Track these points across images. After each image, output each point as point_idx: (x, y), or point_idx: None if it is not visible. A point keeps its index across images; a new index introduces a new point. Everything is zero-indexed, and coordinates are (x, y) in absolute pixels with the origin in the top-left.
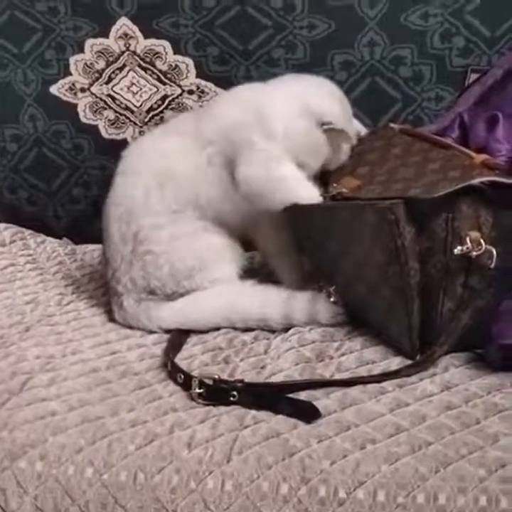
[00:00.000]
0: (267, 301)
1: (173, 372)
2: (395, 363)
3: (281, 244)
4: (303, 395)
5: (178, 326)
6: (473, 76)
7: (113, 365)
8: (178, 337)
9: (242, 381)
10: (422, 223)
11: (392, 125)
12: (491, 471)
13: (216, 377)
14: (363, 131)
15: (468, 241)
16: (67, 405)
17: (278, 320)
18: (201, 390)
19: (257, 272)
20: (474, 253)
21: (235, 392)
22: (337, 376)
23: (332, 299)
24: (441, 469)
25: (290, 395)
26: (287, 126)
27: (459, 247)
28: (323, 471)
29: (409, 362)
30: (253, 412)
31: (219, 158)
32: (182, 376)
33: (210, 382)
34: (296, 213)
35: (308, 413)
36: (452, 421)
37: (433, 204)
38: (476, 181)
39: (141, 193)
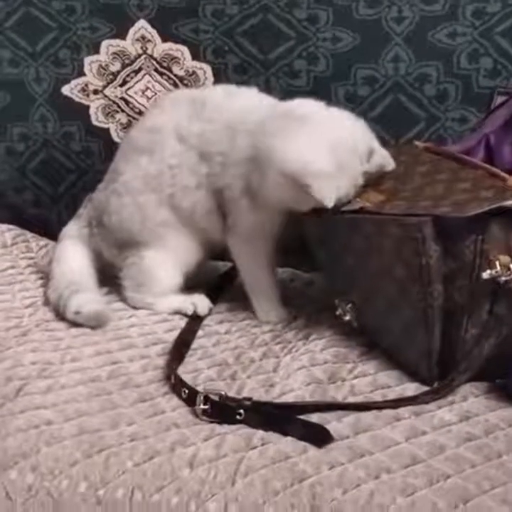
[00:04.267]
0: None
1: (177, 386)
2: (411, 388)
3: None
4: (314, 418)
5: None
6: (500, 98)
7: (114, 376)
8: (178, 348)
9: (250, 399)
10: (449, 243)
11: (416, 143)
12: None
13: (222, 393)
14: (391, 166)
15: (497, 265)
16: (64, 415)
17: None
18: (206, 407)
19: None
20: (503, 278)
21: (241, 411)
22: (350, 399)
23: (347, 318)
24: (461, 505)
25: (300, 417)
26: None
27: (488, 271)
28: (335, 500)
29: (426, 388)
30: (260, 432)
31: None
32: (186, 391)
33: (216, 398)
34: (319, 219)
35: (320, 437)
36: (472, 453)
37: (462, 224)
38: (510, 203)
39: None
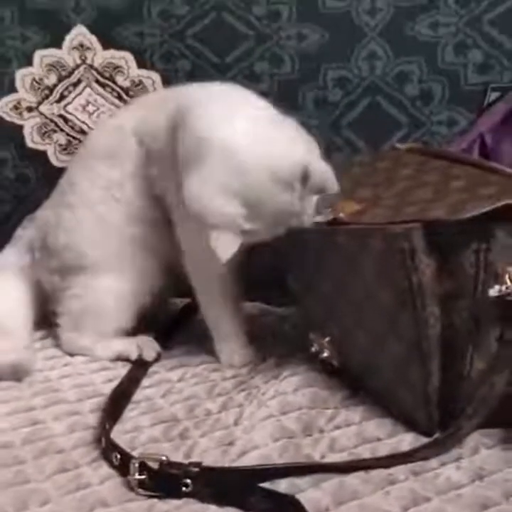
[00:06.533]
0: None
1: (108, 450)
2: (407, 441)
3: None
4: (283, 484)
5: None
6: (494, 95)
7: (31, 440)
8: (116, 402)
9: (198, 464)
10: (445, 256)
11: (398, 145)
12: None
13: (163, 458)
14: (333, 188)
15: (507, 280)
16: None
17: None
18: (143, 476)
19: None
20: None
21: (188, 480)
22: (330, 458)
23: (325, 355)
24: None
25: (265, 485)
26: None
27: (496, 287)
28: None
29: (425, 440)
30: (213, 508)
31: None
32: (118, 456)
33: (154, 465)
34: (287, 239)
35: (291, 511)
36: None
37: (460, 230)
38: None
39: None
